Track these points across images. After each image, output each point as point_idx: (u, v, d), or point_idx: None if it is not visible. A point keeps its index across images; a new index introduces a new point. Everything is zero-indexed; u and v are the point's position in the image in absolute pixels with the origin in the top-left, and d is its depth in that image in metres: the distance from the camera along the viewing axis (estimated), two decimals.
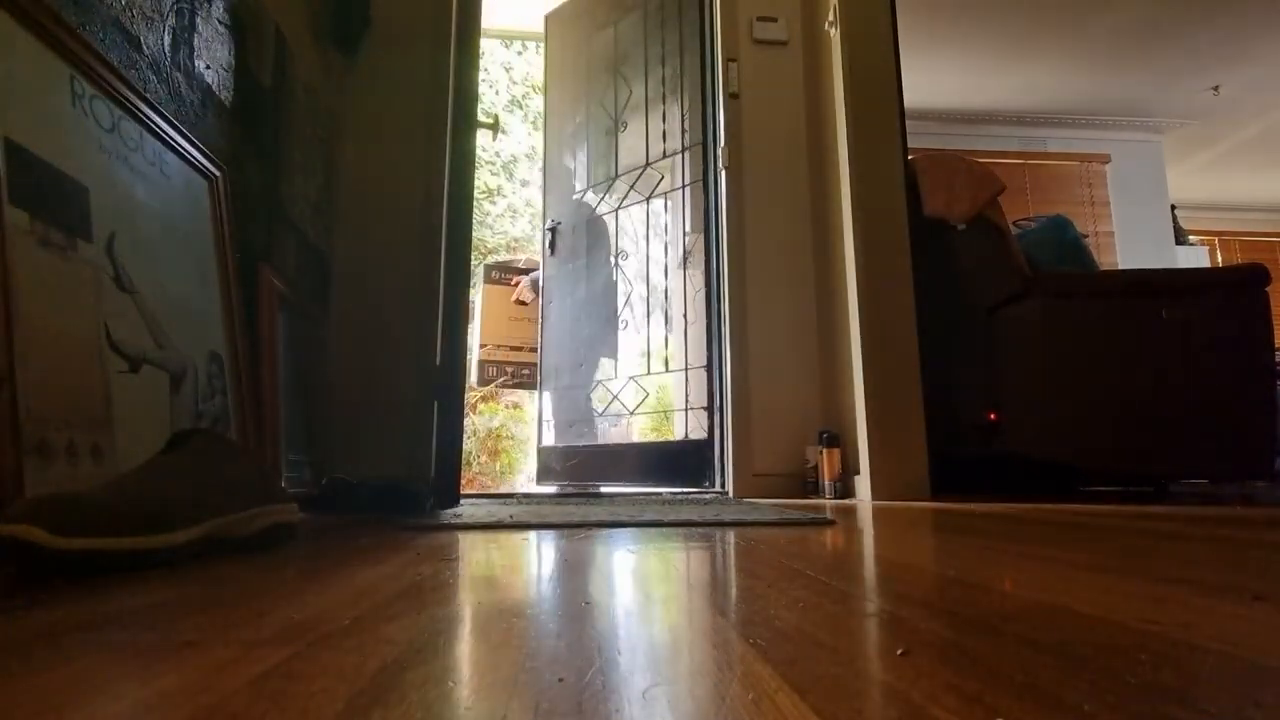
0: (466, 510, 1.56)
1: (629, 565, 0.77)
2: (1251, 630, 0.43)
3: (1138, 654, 0.37)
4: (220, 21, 1.36)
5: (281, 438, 1.47)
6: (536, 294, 3.04)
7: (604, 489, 2.70)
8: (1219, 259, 6.09)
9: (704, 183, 2.54)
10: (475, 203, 2.24)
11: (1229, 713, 0.29)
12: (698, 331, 2.61)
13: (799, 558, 0.78)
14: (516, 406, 4.42)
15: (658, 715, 0.29)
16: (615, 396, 2.77)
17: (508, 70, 5.61)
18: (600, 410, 2.82)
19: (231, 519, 0.79)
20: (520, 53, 5.60)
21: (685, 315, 2.63)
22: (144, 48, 1.11)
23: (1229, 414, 1.86)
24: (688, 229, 2.68)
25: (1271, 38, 3.98)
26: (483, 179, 5.32)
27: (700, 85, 2.58)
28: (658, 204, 2.81)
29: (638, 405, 2.79)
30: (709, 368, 2.48)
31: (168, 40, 1.18)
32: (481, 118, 2.37)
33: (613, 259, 2.87)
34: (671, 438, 2.79)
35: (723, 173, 2.41)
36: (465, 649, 0.42)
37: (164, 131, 1.13)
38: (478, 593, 0.61)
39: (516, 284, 3.08)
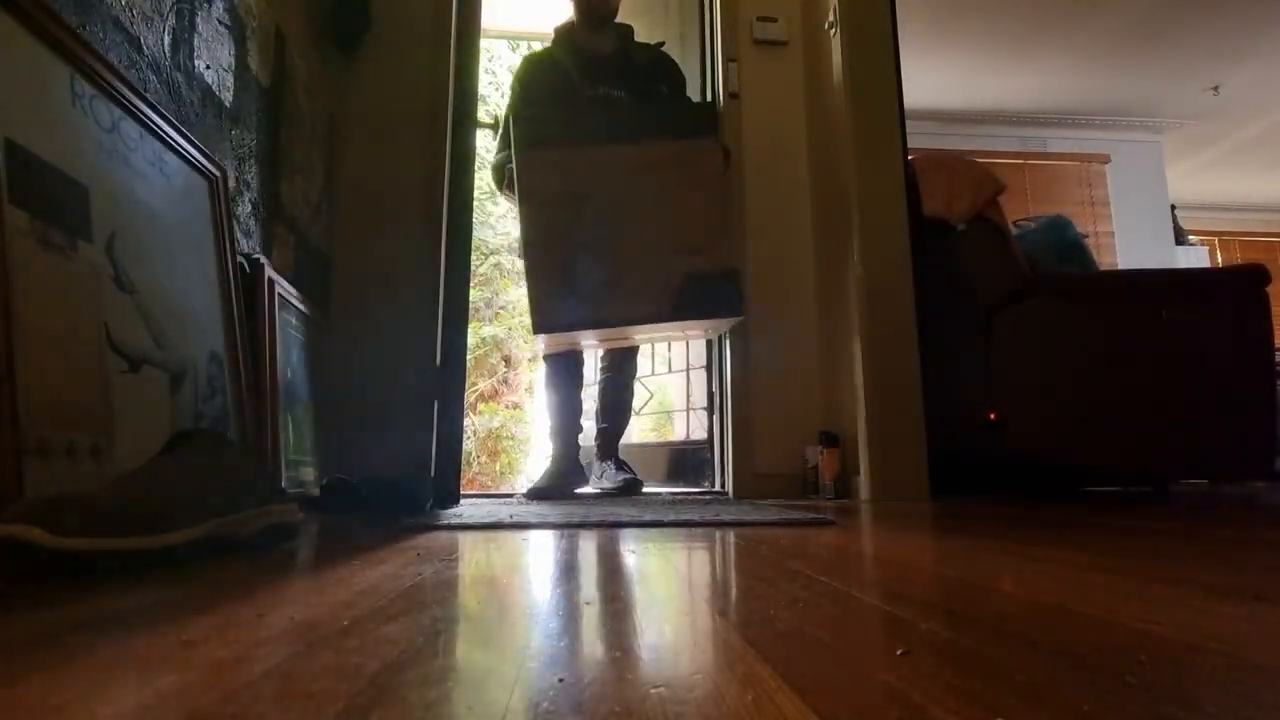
0: (466, 510, 1.56)
1: (629, 565, 0.77)
2: (1251, 630, 0.43)
3: (1138, 654, 0.37)
4: (220, 21, 1.36)
5: (282, 437, 1.47)
6: None
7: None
8: (1219, 259, 6.09)
9: None
10: (476, 203, 2.25)
11: (1229, 713, 0.29)
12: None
13: (799, 558, 0.78)
14: (516, 407, 4.42)
15: (658, 715, 0.29)
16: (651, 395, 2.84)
17: (509, 70, 5.62)
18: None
19: (231, 519, 0.79)
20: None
21: None
22: (144, 48, 1.11)
23: (1229, 414, 1.86)
24: None
25: (1271, 38, 3.98)
26: (484, 179, 5.31)
27: (700, 85, 2.58)
28: None
29: (642, 406, 2.76)
30: (709, 367, 2.48)
31: (168, 40, 1.18)
32: (482, 118, 2.38)
33: None
34: (671, 438, 2.79)
35: None
36: (465, 649, 0.42)
37: (164, 131, 1.13)
38: (478, 593, 0.61)
39: None
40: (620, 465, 2.25)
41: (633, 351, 2.35)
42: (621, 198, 1.80)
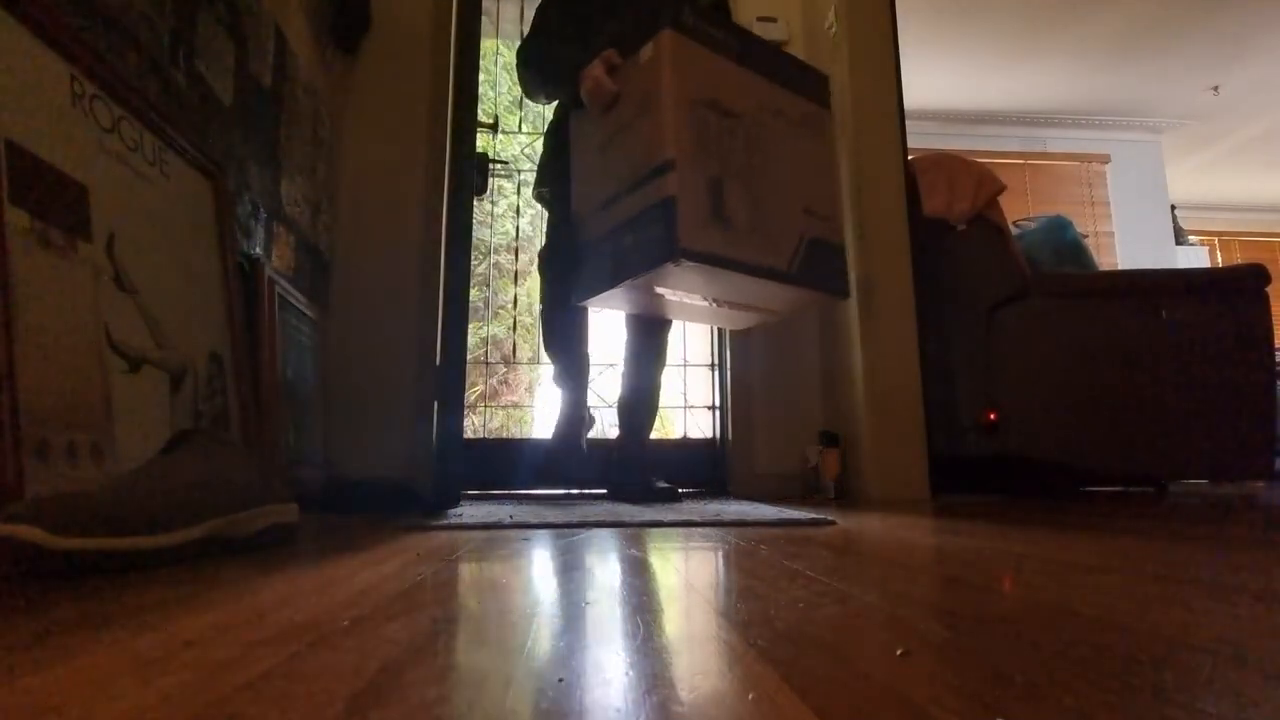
0: (466, 510, 1.56)
1: (629, 565, 0.77)
2: (1251, 630, 0.43)
3: (1138, 654, 0.37)
4: (220, 21, 1.36)
5: (282, 438, 1.47)
6: None
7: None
8: (1219, 259, 6.09)
9: None
10: (475, 202, 2.24)
11: (1229, 713, 0.29)
12: (699, 327, 2.60)
13: (799, 558, 0.78)
14: (516, 406, 4.42)
15: (658, 716, 0.29)
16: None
17: (509, 71, 5.63)
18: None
19: (231, 519, 0.79)
20: None
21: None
22: (144, 48, 1.11)
23: (1229, 414, 1.86)
24: None
25: (1271, 38, 3.98)
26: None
27: None
28: None
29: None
30: (714, 366, 2.48)
31: (168, 40, 1.18)
32: (482, 118, 2.37)
33: None
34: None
35: None
36: (465, 649, 0.42)
37: (164, 131, 1.13)
38: (478, 593, 0.61)
39: None
40: (647, 473, 1.89)
41: (663, 329, 1.98)
42: (762, 133, 1.54)
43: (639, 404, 1.97)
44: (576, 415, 1.96)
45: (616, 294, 1.60)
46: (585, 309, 1.86)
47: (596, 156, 1.62)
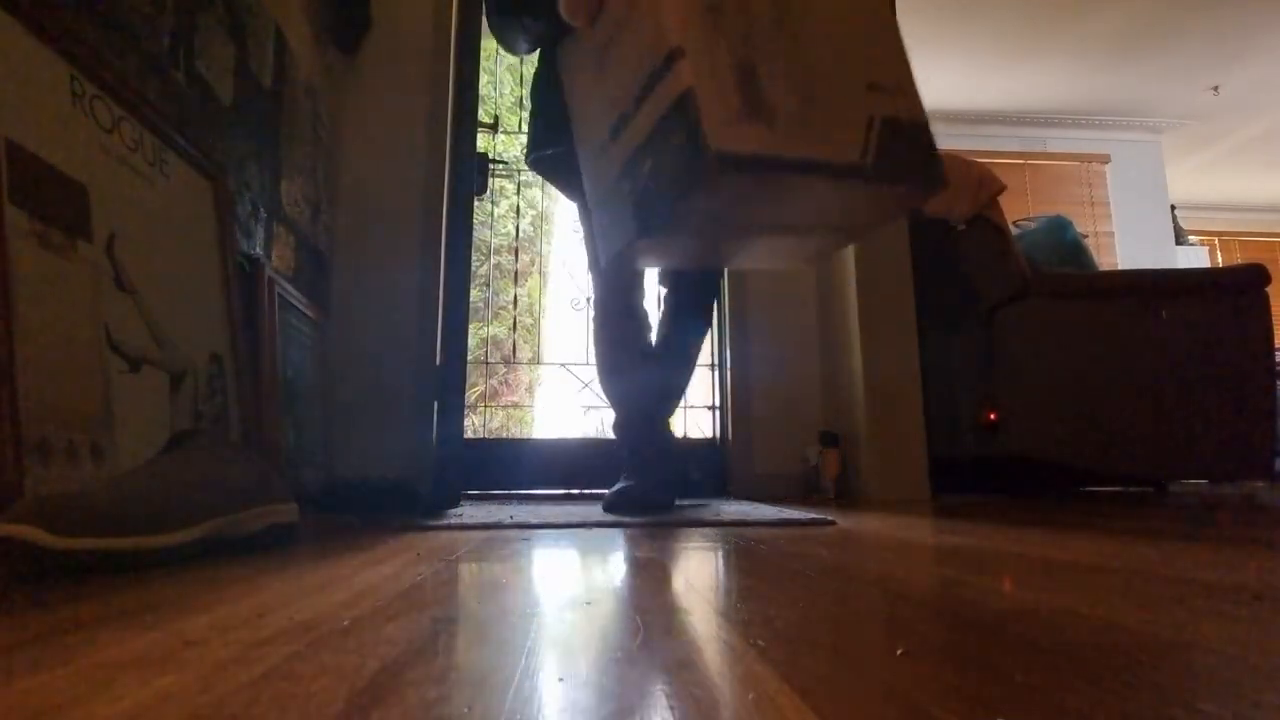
0: (467, 510, 1.56)
1: (629, 565, 0.77)
2: (1251, 630, 0.43)
3: (1138, 654, 0.37)
4: (220, 21, 1.36)
5: (281, 438, 1.47)
6: None
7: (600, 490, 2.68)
8: (1219, 259, 6.09)
9: None
10: (476, 203, 2.24)
11: (1229, 713, 0.28)
12: None
13: (799, 558, 0.78)
14: (516, 406, 4.42)
15: (658, 716, 0.29)
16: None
17: (513, 72, 5.62)
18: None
19: (231, 519, 0.79)
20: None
21: None
22: (144, 48, 1.11)
23: (1229, 414, 1.86)
24: None
25: (1271, 38, 3.98)
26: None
27: None
28: None
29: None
30: (714, 366, 2.48)
31: (167, 40, 1.18)
32: (482, 117, 2.37)
33: None
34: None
35: None
36: (465, 649, 0.42)
37: (164, 131, 1.13)
38: (478, 593, 0.61)
39: None
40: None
41: (710, 292, 1.68)
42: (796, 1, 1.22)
43: (669, 383, 1.63)
44: (650, 427, 1.62)
45: (647, 244, 1.23)
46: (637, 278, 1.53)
47: (593, 82, 1.29)
